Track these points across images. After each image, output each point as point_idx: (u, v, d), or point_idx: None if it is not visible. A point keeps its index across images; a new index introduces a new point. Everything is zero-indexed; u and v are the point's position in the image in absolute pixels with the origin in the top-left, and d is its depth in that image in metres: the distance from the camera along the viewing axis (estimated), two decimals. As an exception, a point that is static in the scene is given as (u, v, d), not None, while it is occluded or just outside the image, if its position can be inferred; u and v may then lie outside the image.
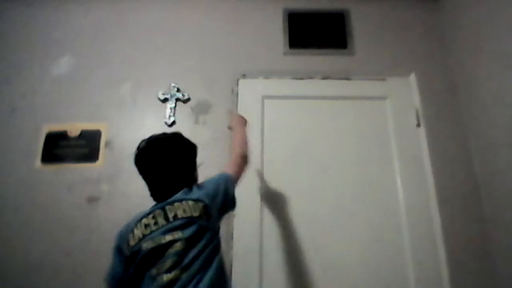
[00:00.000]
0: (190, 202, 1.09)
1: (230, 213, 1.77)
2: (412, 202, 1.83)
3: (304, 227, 1.79)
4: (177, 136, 1.28)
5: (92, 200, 1.85)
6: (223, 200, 1.18)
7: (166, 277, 0.98)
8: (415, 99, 2.03)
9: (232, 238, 1.77)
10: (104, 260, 1.73)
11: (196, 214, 1.07)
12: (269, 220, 1.81)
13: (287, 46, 2.15)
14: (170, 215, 1.07)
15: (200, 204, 1.10)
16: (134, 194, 1.82)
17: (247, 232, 1.78)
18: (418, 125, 1.98)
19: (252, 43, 2.16)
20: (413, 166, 1.90)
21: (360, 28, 2.19)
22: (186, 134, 1.94)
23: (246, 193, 1.84)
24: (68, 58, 2.15)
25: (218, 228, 1.17)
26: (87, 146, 1.95)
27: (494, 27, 1.74)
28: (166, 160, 1.18)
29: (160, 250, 1.02)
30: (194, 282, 0.98)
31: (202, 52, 2.14)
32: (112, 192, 1.86)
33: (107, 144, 1.95)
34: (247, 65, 2.11)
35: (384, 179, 1.88)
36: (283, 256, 1.75)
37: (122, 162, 1.91)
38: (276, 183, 1.87)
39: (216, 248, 1.09)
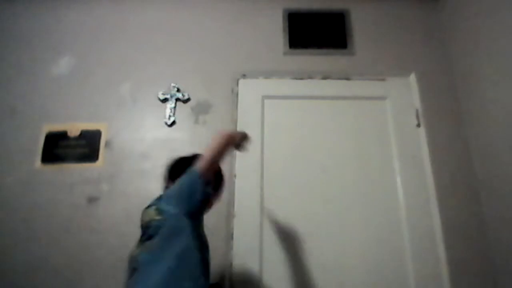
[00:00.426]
0: (150, 208, 1.20)
1: (230, 213, 1.79)
2: (412, 202, 1.83)
3: (304, 227, 1.79)
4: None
5: (92, 200, 1.85)
6: (179, 197, 1.18)
7: (127, 283, 1.11)
8: (415, 99, 2.03)
9: (232, 238, 1.77)
10: (104, 260, 1.74)
11: (153, 217, 1.16)
12: (269, 220, 1.81)
13: (287, 46, 2.15)
14: (144, 224, 1.19)
15: (154, 207, 1.18)
16: (134, 194, 1.82)
17: (247, 232, 1.78)
18: (418, 125, 1.98)
19: (252, 43, 2.16)
20: (413, 166, 1.90)
21: (360, 28, 2.20)
22: (186, 134, 1.96)
23: (246, 194, 1.85)
24: (68, 58, 2.15)
25: (178, 223, 1.14)
26: (87, 146, 1.95)
27: (494, 27, 1.74)
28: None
29: (130, 260, 1.15)
30: (144, 278, 1.05)
31: (202, 52, 2.14)
32: (112, 192, 1.86)
33: (107, 144, 1.95)
34: (247, 65, 2.11)
35: (384, 179, 1.88)
36: (283, 256, 1.75)
37: (122, 162, 1.91)
38: (276, 183, 1.87)
39: (169, 242, 1.10)
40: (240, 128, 1.94)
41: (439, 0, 2.23)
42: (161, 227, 1.11)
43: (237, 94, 2.04)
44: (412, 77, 2.07)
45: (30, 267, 1.73)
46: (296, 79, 2.09)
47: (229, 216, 1.80)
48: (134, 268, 1.10)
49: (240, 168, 1.89)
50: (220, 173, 1.40)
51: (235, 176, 1.87)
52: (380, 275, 1.72)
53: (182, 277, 1.05)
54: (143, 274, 1.06)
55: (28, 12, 2.26)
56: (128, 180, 1.87)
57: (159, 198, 1.22)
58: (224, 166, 1.84)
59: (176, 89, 2.04)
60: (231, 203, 1.82)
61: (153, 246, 1.09)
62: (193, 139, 1.94)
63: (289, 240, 1.78)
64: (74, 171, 1.90)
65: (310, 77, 2.09)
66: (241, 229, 1.78)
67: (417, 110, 2.00)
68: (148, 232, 1.13)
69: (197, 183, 1.17)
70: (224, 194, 1.81)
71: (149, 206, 1.21)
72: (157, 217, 1.14)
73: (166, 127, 1.98)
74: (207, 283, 1.14)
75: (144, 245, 1.12)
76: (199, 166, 1.19)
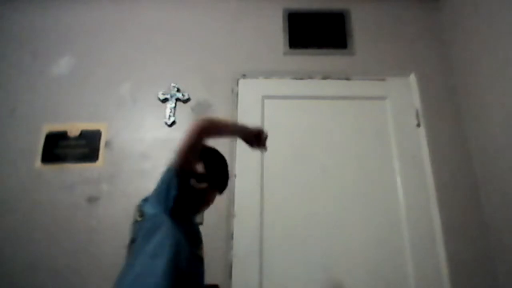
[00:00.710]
0: (136, 208, 1.20)
1: (230, 213, 1.79)
2: (412, 202, 1.83)
3: (304, 227, 1.79)
4: None
5: (92, 200, 1.85)
6: (157, 196, 1.15)
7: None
8: (415, 99, 2.03)
9: (232, 238, 1.77)
10: (104, 259, 1.74)
11: (135, 218, 1.17)
12: (269, 220, 1.80)
13: (287, 46, 2.15)
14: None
15: (138, 208, 1.18)
16: (134, 194, 1.80)
17: (247, 232, 1.78)
18: (418, 125, 1.98)
19: (252, 43, 2.16)
20: (413, 166, 1.90)
21: (360, 28, 2.19)
22: (186, 134, 1.96)
23: (246, 194, 1.85)
24: (68, 58, 2.15)
25: (155, 223, 1.11)
26: (87, 146, 1.95)
27: (494, 27, 1.73)
28: None
29: None
30: (125, 272, 1.07)
31: (202, 52, 2.14)
32: (112, 192, 1.86)
33: (107, 144, 1.95)
34: (247, 65, 2.11)
35: (384, 179, 1.88)
36: (283, 256, 1.75)
37: (122, 162, 1.91)
38: (276, 183, 1.87)
39: (145, 243, 1.07)
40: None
41: (439, 0, 2.23)
42: (140, 229, 1.11)
43: (237, 94, 2.04)
44: (412, 77, 2.07)
45: (30, 267, 1.73)
46: (296, 79, 2.09)
47: (229, 216, 1.80)
48: None
49: (240, 168, 1.88)
50: (212, 163, 1.26)
51: (235, 176, 1.86)
52: (380, 275, 1.72)
53: (148, 274, 1.01)
54: (120, 277, 1.06)
55: (28, 12, 2.26)
56: (128, 180, 1.87)
57: (145, 198, 1.20)
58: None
59: (176, 89, 2.04)
60: (231, 203, 1.82)
61: (134, 250, 1.09)
62: (193, 139, 1.93)
63: (289, 240, 1.78)
64: (74, 171, 1.90)
65: (310, 77, 2.09)
66: (241, 229, 1.78)
67: (417, 110, 2.00)
68: (132, 234, 1.14)
69: (171, 179, 1.11)
70: (224, 194, 1.82)
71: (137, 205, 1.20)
72: (139, 219, 1.14)
73: (166, 127, 1.98)
74: (185, 282, 1.07)
75: (130, 249, 1.12)
76: (173, 160, 1.14)
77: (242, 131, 1.34)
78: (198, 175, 1.19)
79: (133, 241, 1.12)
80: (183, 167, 1.13)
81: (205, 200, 1.25)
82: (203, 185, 1.20)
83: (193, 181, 1.19)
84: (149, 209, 1.14)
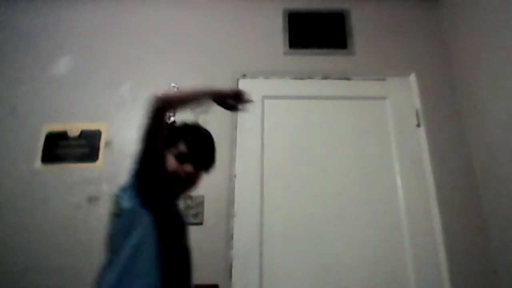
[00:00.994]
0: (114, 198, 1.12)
1: (230, 213, 1.79)
2: (412, 202, 1.83)
3: (304, 227, 1.79)
4: None
5: (92, 200, 1.85)
6: (131, 187, 1.08)
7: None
8: (415, 99, 2.03)
9: (232, 238, 1.77)
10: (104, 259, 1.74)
11: (113, 211, 1.11)
12: (269, 220, 1.80)
13: (287, 46, 2.15)
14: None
15: (115, 199, 1.11)
16: (134, 194, 1.82)
17: (247, 232, 1.78)
18: (418, 125, 1.98)
19: (252, 43, 2.16)
20: (413, 166, 1.90)
21: (360, 28, 2.19)
22: (186, 134, 1.95)
23: (246, 194, 1.85)
24: (68, 58, 2.15)
25: (133, 220, 1.04)
26: (87, 146, 1.95)
27: (494, 27, 1.73)
28: None
29: None
30: (107, 269, 1.01)
31: (202, 52, 2.14)
32: (112, 192, 1.85)
33: (107, 144, 1.95)
34: (247, 65, 2.11)
35: (384, 179, 1.88)
36: (283, 256, 1.75)
37: (122, 162, 1.91)
38: (276, 183, 1.87)
39: (123, 242, 1.01)
40: (240, 129, 1.95)
41: (439, 0, 2.23)
42: (118, 224, 1.05)
43: (237, 94, 2.04)
44: (412, 77, 2.07)
45: (30, 267, 1.73)
46: (296, 79, 2.09)
47: (229, 216, 1.80)
48: None
49: (240, 168, 1.89)
50: (194, 141, 1.18)
51: (235, 176, 1.87)
52: (380, 275, 1.72)
53: (131, 273, 0.96)
54: (102, 273, 1.00)
55: (28, 12, 2.26)
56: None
57: (123, 188, 1.10)
58: (224, 166, 1.85)
59: (176, 89, 2.04)
60: (231, 203, 1.82)
61: (114, 246, 1.03)
62: (193, 139, 1.93)
63: (289, 240, 1.78)
64: (74, 171, 1.90)
65: (310, 77, 2.09)
66: (241, 229, 1.78)
67: (417, 110, 2.00)
68: (109, 228, 1.07)
69: (139, 168, 1.05)
70: (224, 194, 1.83)
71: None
72: (116, 212, 1.07)
73: (166, 127, 1.98)
74: (171, 275, 1.02)
75: (109, 245, 1.06)
76: (138, 147, 1.07)
77: (213, 95, 1.24)
78: (180, 155, 1.12)
79: (111, 236, 1.06)
80: (150, 151, 1.07)
81: (190, 182, 1.15)
82: (188, 166, 1.11)
83: (176, 163, 1.11)
84: (125, 202, 1.06)
